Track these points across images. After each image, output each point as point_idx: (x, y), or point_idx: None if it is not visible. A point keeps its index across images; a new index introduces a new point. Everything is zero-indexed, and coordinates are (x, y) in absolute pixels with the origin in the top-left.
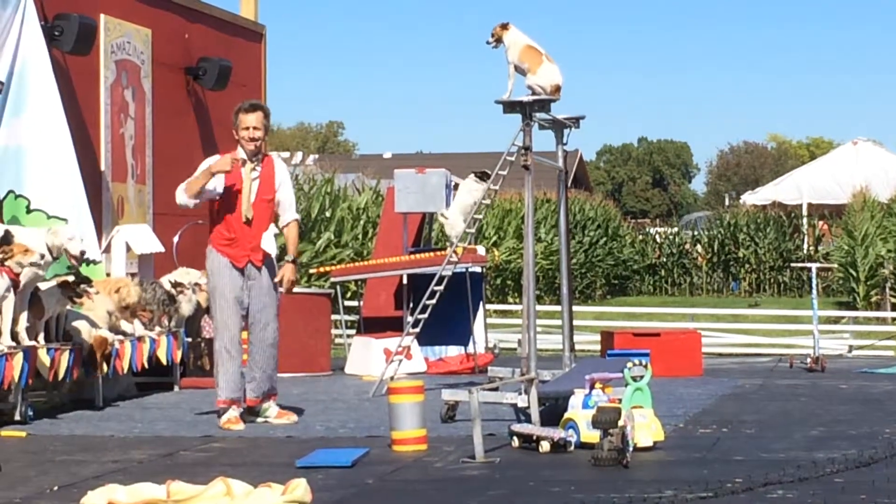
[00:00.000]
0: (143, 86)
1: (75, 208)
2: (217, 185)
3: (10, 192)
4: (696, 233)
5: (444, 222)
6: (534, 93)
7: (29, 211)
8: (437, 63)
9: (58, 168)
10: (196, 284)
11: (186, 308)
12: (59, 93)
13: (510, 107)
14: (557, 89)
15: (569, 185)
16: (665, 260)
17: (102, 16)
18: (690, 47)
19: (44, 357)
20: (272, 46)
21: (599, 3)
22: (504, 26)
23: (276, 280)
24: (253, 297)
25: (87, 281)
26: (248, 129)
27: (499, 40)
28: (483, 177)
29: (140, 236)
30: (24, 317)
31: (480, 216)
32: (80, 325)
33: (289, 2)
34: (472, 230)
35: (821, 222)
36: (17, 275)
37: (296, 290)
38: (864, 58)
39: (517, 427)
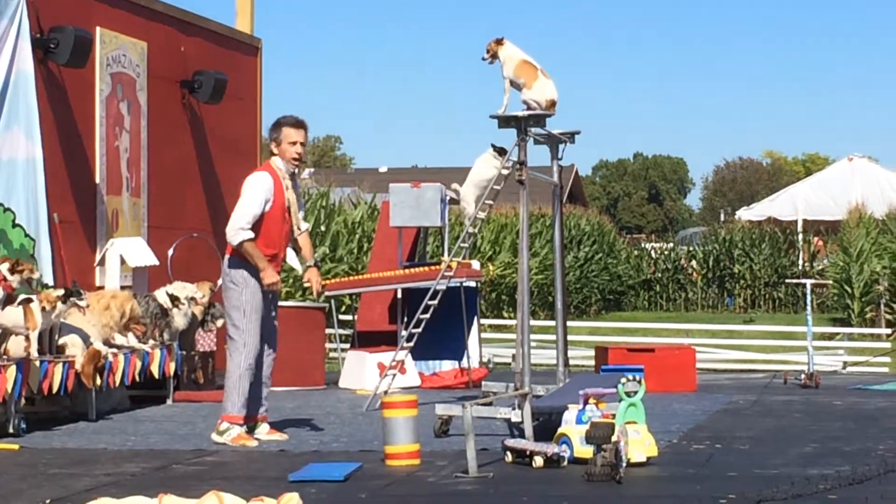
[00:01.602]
0: (139, 99)
1: (41, 229)
2: (267, 203)
3: (0, 204)
4: (691, 248)
5: (455, 196)
6: (529, 108)
7: (14, 225)
8: (433, 77)
9: (31, 185)
10: (191, 298)
11: (181, 321)
12: (37, 108)
13: (505, 121)
14: (553, 104)
15: (564, 200)
16: (660, 275)
17: (98, 28)
18: (687, 63)
19: (37, 369)
20: (268, 60)
21: (595, 18)
22: (499, 41)
23: (306, 284)
24: (267, 315)
25: (79, 294)
26: (295, 144)
27: (494, 56)
28: (501, 152)
29: (135, 249)
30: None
31: (475, 230)
32: (73, 338)
33: (285, 15)
34: (467, 245)
35: (816, 238)
36: (13, 289)
37: (289, 303)
38: (859, 75)
39: (511, 442)
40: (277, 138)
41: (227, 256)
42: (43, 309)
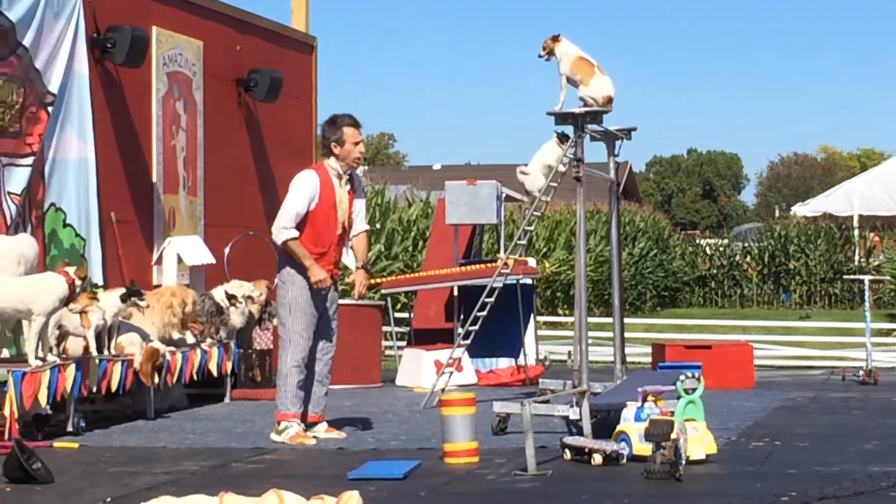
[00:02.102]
0: (195, 97)
1: (91, 229)
2: (313, 202)
3: (52, 204)
4: (746, 244)
5: (523, 179)
6: (586, 104)
7: (65, 225)
8: (487, 73)
9: (83, 185)
10: (248, 297)
11: (238, 320)
12: (91, 109)
13: (562, 118)
14: (609, 101)
15: (619, 196)
16: (715, 272)
17: (154, 28)
18: (741, 58)
19: (96, 369)
20: (323, 58)
21: (650, 15)
22: (555, 38)
23: (349, 282)
24: (324, 313)
25: (139, 294)
26: (358, 143)
27: (550, 53)
28: (563, 138)
29: (191, 248)
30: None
31: (531, 228)
32: (132, 336)
33: (340, 14)
34: (523, 242)
35: (872, 234)
36: (73, 283)
37: (346, 301)
38: None
39: (569, 440)
40: (340, 139)
41: (279, 254)
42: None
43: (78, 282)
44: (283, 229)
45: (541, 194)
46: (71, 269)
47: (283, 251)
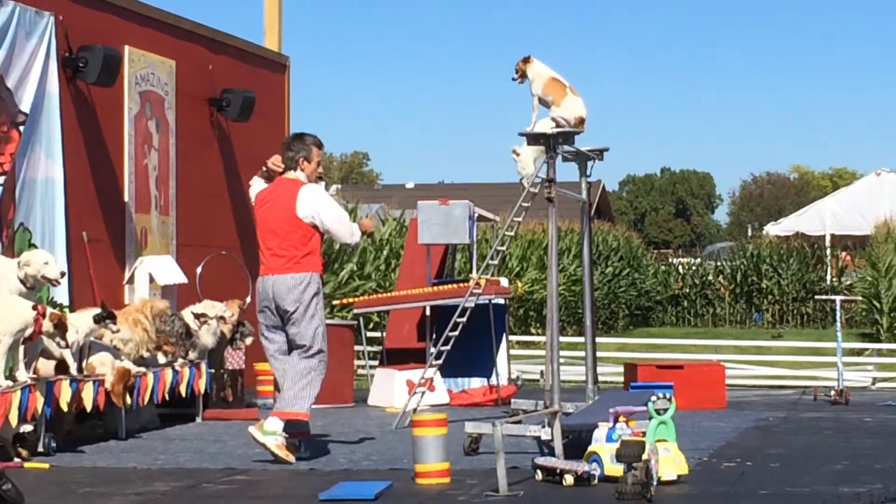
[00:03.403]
0: (167, 117)
1: (57, 248)
2: None
3: (21, 224)
4: (718, 263)
5: (515, 159)
6: (558, 125)
7: (30, 245)
8: (461, 94)
9: (48, 205)
10: (220, 317)
11: (209, 340)
12: (60, 128)
13: (534, 139)
14: (581, 122)
15: (592, 216)
16: (688, 291)
17: (127, 47)
18: (714, 78)
19: (67, 389)
20: (296, 77)
21: (621, 34)
22: (526, 60)
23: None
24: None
25: (113, 317)
26: (320, 164)
27: (523, 75)
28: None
29: (163, 267)
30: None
31: (503, 247)
32: (103, 356)
33: (313, 33)
34: (495, 262)
35: (844, 253)
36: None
37: None
38: (887, 89)
39: (541, 460)
40: (308, 156)
41: (300, 274)
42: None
43: (48, 323)
44: (353, 230)
45: (529, 183)
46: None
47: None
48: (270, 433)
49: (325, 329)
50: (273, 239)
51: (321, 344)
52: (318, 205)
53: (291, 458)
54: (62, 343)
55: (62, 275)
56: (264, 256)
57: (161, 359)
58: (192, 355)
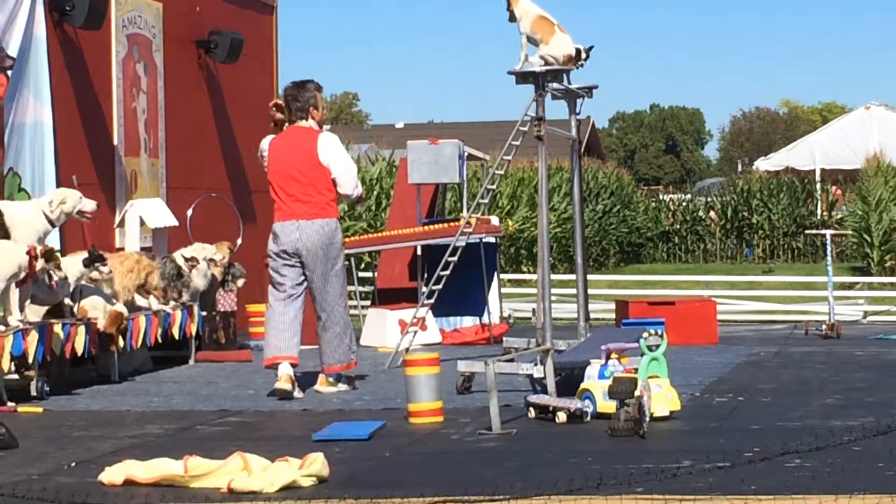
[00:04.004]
0: (155, 60)
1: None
2: None
3: (10, 169)
4: (709, 199)
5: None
6: (546, 63)
7: (19, 189)
8: (449, 32)
9: (38, 149)
10: (211, 260)
11: (200, 282)
12: (48, 72)
13: (523, 77)
14: (570, 59)
15: (581, 153)
16: (678, 227)
17: None
18: (702, 13)
19: (59, 333)
20: (284, 18)
21: None
22: None
23: None
24: None
25: (102, 259)
26: (324, 109)
27: (512, 14)
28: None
29: (154, 210)
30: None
31: (494, 186)
32: (95, 300)
33: None
34: (486, 201)
35: (834, 188)
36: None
37: None
38: (876, 22)
39: (533, 398)
40: (316, 104)
41: (327, 220)
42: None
43: (41, 261)
44: (357, 184)
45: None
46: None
47: (357, 200)
48: (334, 383)
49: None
50: (294, 185)
51: (345, 289)
52: (332, 152)
53: (354, 385)
54: (57, 274)
55: (98, 206)
56: (283, 203)
57: (154, 304)
58: (184, 297)
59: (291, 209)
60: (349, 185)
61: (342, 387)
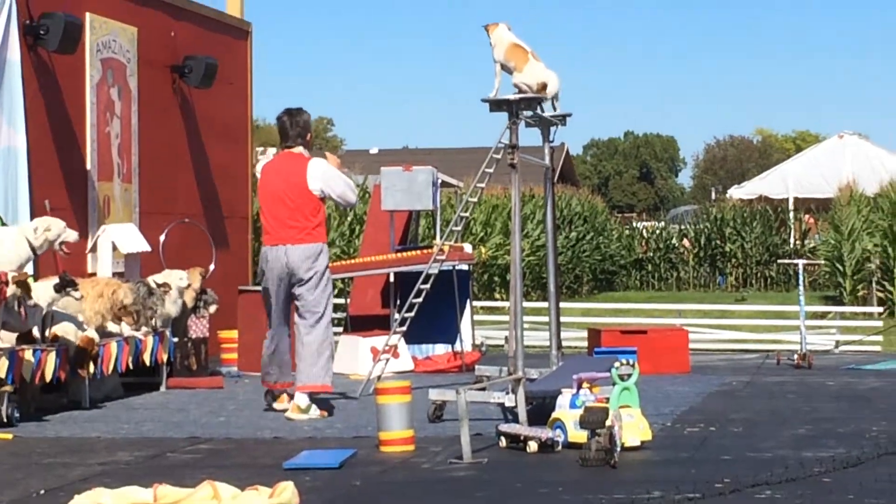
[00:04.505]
0: (129, 84)
1: (20, 217)
2: None
3: None
4: (682, 227)
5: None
6: (520, 91)
7: None
8: (425, 58)
9: (11, 173)
10: (186, 286)
11: (172, 308)
12: (22, 96)
13: (497, 105)
14: (544, 87)
15: (555, 180)
16: (652, 254)
17: (88, 14)
18: (677, 41)
19: (30, 359)
20: (259, 43)
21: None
22: (491, 26)
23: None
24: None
25: (73, 284)
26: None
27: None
28: None
29: (126, 235)
30: None
31: (467, 214)
32: (66, 325)
33: None
34: (459, 228)
35: (807, 216)
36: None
37: None
38: (850, 51)
39: (505, 427)
40: (310, 130)
41: (313, 244)
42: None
43: (12, 287)
44: (354, 191)
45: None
46: (11, 273)
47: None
48: (306, 409)
49: (331, 297)
50: (282, 209)
51: (330, 310)
52: (323, 178)
53: (325, 413)
54: (28, 302)
55: (79, 238)
56: (272, 226)
57: (126, 330)
58: (157, 316)
59: (278, 233)
60: (349, 201)
61: (314, 414)
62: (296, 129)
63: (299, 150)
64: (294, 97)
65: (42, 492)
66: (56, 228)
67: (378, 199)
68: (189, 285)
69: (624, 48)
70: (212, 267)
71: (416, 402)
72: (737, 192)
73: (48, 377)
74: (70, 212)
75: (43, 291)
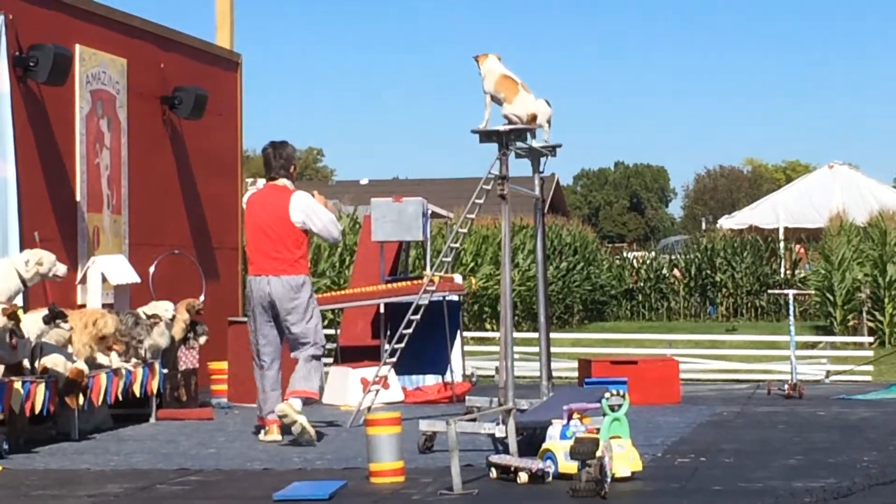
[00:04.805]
0: (119, 115)
1: (10, 249)
2: None
3: None
4: (673, 257)
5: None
6: (510, 122)
7: None
8: (415, 89)
9: (3, 205)
10: (170, 318)
11: (161, 340)
12: (11, 127)
13: (486, 136)
14: (534, 118)
15: (545, 211)
16: (642, 285)
17: (78, 46)
18: (667, 72)
19: (19, 390)
20: (249, 74)
21: (575, 28)
22: (481, 56)
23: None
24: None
25: (63, 315)
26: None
27: None
28: None
29: (116, 267)
30: None
31: (457, 244)
32: (56, 357)
33: (265, 30)
34: (449, 259)
35: (797, 246)
36: None
37: None
38: (839, 82)
39: (495, 458)
40: (295, 163)
41: (294, 276)
42: None
43: (2, 319)
44: (339, 230)
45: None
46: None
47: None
48: (300, 411)
49: (321, 323)
50: (266, 241)
51: (321, 337)
52: (305, 212)
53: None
54: (18, 333)
55: (67, 272)
56: (255, 257)
57: (115, 361)
58: (144, 345)
59: (262, 264)
60: (334, 234)
61: (303, 420)
62: (279, 160)
63: (283, 182)
64: (285, 127)
65: None
66: (48, 262)
67: (368, 229)
68: (174, 317)
69: (614, 78)
70: (202, 298)
71: (407, 433)
72: (727, 222)
73: (37, 409)
74: (59, 243)
75: (32, 323)
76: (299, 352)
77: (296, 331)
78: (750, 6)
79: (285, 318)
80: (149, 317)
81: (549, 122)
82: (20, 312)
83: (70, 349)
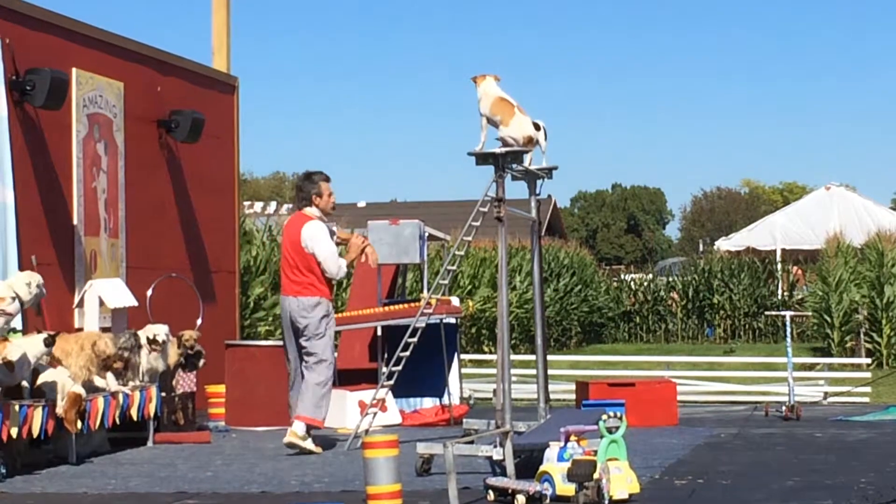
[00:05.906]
0: (116, 139)
1: (9, 273)
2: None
3: None
4: (670, 279)
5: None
6: (506, 144)
7: None
8: (411, 111)
9: (2, 229)
10: (165, 341)
11: (159, 364)
12: (10, 151)
13: (483, 158)
14: (530, 141)
15: (542, 233)
16: (640, 307)
17: (74, 69)
18: (664, 94)
19: (17, 413)
20: (246, 97)
21: (572, 50)
22: (478, 78)
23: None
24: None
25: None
26: (332, 194)
27: None
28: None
29: (113, 290)
30: None
31: (454, 267)
32: (54, 380)
33: (262, 53)
34: (446, 281)
35: (795, 268)
36: None
37: (269, 342)
38: (836, 104)
39: (492, 480)
40: (319, 192)
41: (309, 297)
42: None
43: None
44: (340, 266)
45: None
46: None
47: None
48: (303, 437)
49: (333, 344)
50: (286, 264)
51: (329, 355)
52: (312, 240)
53: (320, 449)
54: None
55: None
56: (281, 278)
57: (112, 385)
58: (144, 377)
59: (286, 286)
60: (331, 269)
61: (309, 444)
62: (300, 192)
63: (308, 210)
64: (281, 151)
65: None
66: (37, 284)
67: None
68: (165, 341)
69: (611, 101)
70: (199, 321)
71: (404, 455)
72: (724, 244)
73: (35, 432)
74: (57, 267)
75: (31, 346)
76: (306, 367)
77: (304, 343)
78: (746, 29)
79: (301, 329)
80: (150, 341)
81: (545, 137)
82: (15, 336)
83: (67, 373)
